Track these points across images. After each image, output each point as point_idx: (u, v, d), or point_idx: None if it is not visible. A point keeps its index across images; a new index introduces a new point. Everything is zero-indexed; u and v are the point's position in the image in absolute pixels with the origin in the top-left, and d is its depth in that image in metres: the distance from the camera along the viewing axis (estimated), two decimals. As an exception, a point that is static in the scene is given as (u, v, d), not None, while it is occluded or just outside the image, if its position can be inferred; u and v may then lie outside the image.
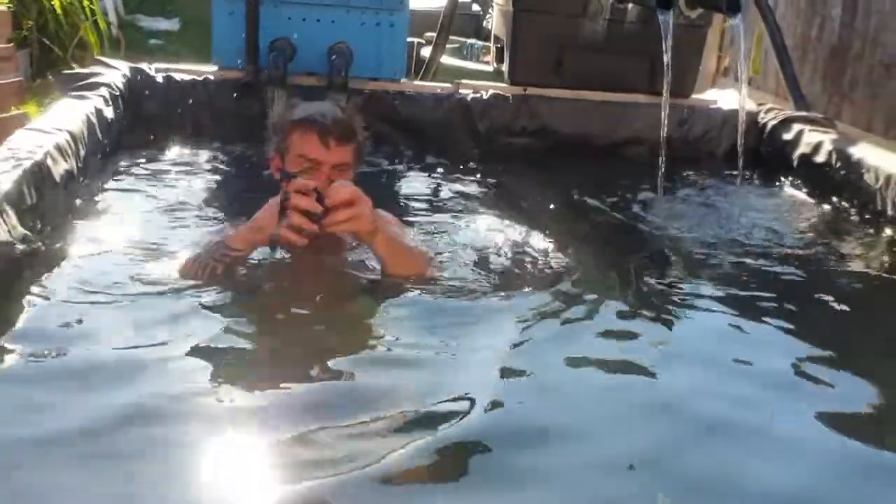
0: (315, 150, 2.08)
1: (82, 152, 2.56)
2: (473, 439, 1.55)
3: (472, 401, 1.65)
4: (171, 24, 8.18)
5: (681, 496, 1.47)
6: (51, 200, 2.26)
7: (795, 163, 3.33)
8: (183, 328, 1.86)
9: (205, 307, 1.94)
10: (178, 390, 1.63)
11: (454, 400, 1.67)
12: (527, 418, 1.67)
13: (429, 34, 4.77)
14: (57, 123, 2.54)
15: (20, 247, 1.98)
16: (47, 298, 1.92)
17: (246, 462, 1.44)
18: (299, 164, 2.09)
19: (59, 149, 2.38)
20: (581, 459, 1.55)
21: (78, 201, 2.49)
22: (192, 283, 2.02)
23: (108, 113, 2.91)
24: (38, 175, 2.20)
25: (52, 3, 6.31)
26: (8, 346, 1.71)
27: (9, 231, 1.93)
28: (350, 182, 2.07)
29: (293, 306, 2.01)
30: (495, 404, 1.66)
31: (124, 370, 1.68)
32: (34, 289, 1.94)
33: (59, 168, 2.34)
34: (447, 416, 1.59)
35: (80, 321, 1.83)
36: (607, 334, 2.09)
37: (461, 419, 1.58)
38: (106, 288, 1.98)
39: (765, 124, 3.52)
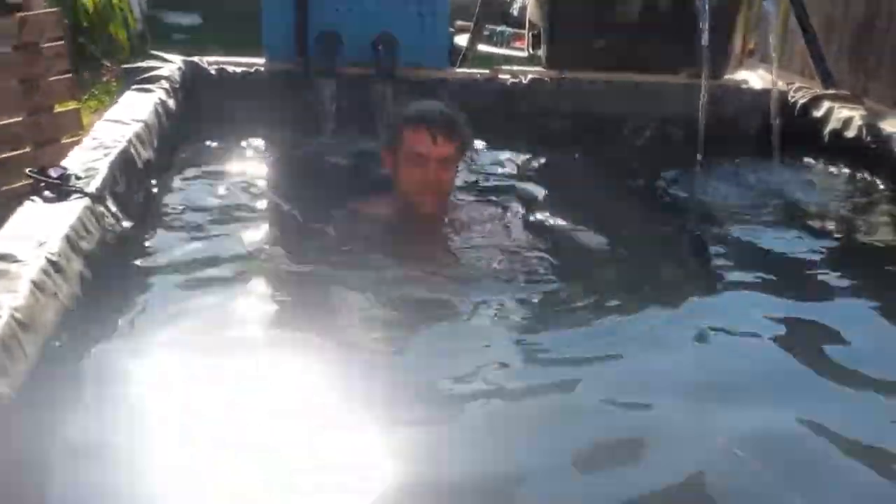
0: (423, 145, 2.29)
1: (155, 141, 2.70)
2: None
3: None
4: (192, 19, 8.40)
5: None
6: (135, 186, 2.41)
7: (826, 139, 3.43)
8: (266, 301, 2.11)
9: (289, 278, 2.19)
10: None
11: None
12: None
13: (459, 22, 4.90)
14: (132, 114, 2.69)
15: (118, 229, 2.13)
16: (151, 280, 2.11)
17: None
18: (410, 158, 2.32)
19: (138, 138, 2.52)
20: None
21: (154, 189, 2.64)
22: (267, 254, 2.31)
23: (171, 104, 3.05)
24: (124, 162, 2.35)
25: (85, 1, 6.47)
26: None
27: (111, 215, 2.08)
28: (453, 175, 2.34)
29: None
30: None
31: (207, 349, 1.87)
32: (139, 270, 2.13)
33: (141, 155, 2.49)
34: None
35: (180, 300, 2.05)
36: (651, 312, 2.23)
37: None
38: (199, 266, 2.17)
39: (795, 102, 3.61)
